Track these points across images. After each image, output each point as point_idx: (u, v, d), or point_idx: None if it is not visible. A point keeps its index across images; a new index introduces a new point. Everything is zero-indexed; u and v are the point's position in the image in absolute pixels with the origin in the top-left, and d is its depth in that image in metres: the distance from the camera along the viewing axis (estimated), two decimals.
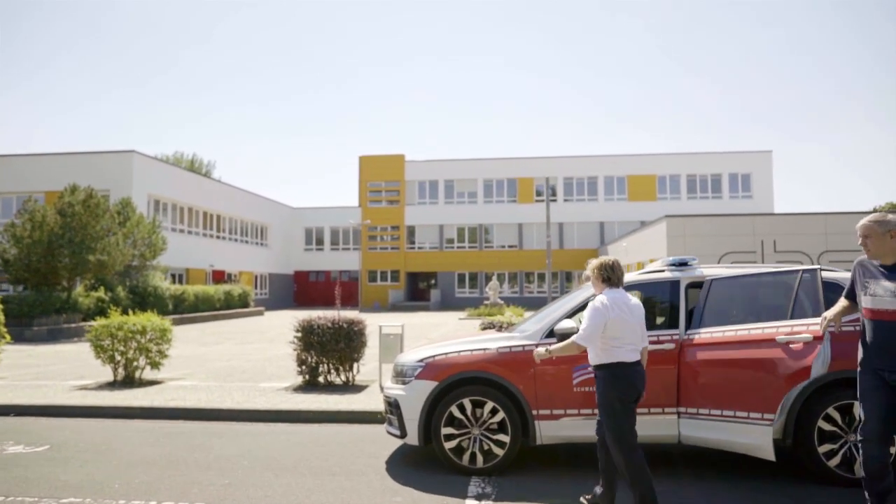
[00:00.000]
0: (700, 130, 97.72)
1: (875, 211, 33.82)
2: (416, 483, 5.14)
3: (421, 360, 5.56)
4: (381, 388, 9.20)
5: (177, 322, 25.96)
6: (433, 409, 5.36)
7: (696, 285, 5.39)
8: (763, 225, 26.44)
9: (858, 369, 3.96)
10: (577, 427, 5.20)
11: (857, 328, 4.06)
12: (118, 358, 10.02)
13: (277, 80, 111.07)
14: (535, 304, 39.20)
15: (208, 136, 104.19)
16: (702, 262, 5.95)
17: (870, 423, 3.82)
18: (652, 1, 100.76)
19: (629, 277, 5.61)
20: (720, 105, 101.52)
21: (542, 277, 46.06)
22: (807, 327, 4.72)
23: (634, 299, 4.38)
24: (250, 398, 8.62)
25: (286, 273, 48.89)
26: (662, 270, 5.57)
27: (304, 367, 9.54)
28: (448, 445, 5.30)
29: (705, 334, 5.14)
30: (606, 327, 4.11)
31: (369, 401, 8.36)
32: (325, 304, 44.11)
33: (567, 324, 5.09)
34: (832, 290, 4.85)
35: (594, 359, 4.28)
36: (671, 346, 5.13)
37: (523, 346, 5.34)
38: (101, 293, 23.13)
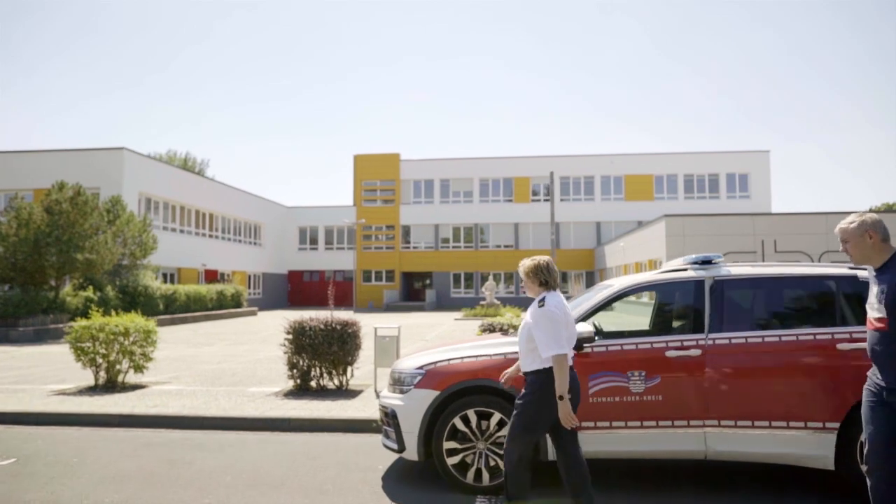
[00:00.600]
0: (696, 132, 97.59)
1: (872, 211, 33.58)
2: (416, 503, 4.67)
3: (420, 367, 5.06)
4: (377, 394, 8.77)
5: (168, 322, 25.48)
6: (434, 421, 4.88)
7: (723, 285, 4.91)
8: (763, 225, 26.08)
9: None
10: (594, 442, 4.71)
11: None
12: (100, 361, 9.51)
13: (271, 79, 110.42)
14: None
15: (202, 135, 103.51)
16: None
17: (874, 452, 3.29)
18: (648, 0, 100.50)
19: (644, 278, 5.16)
20: (716, 106, 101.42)
21: None
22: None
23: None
24: (238, 404, 8.13)
25: (280, 273, 48.28)
26: (685, 269, 5.08)
27: (295, 371, 9.05)
28: (451, 461, 4.82)
29: (739, 339, 4.68)
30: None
31: (364, 407, 7.88)
32: (319, 305, 43.58)
33: (583, 328, 4.65)
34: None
35: (527, 364, 4.00)
36: (697, 352, 4.66)
37: None
38: (89, 293, 22.56)
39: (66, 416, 7.68)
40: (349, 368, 9.20)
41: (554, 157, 46.02)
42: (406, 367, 5.21)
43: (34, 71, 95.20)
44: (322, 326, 8.84)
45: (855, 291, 4.69)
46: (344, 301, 44.84)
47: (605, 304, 4.99)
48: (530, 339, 3.97)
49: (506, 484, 4.06)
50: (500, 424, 4.77)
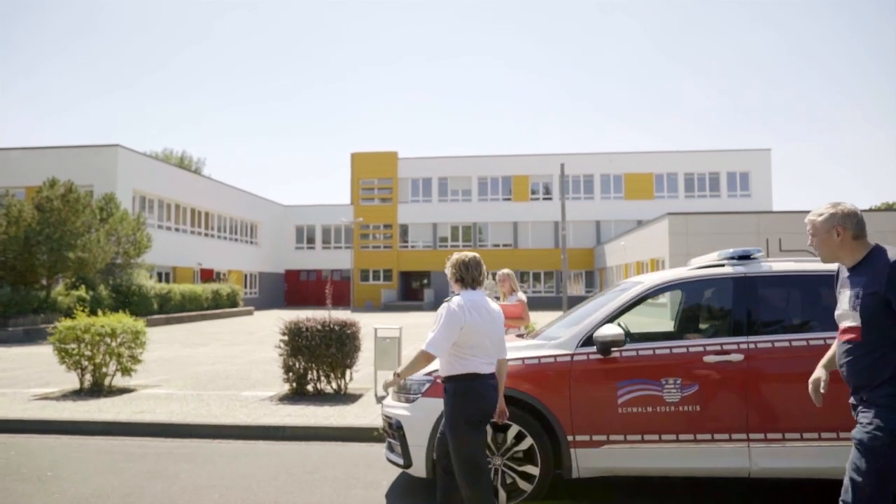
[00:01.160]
0: (697, 132, 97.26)
1: (872, 210, 33.03)
2: None
3: (429, 374, 4.56)
4: (377, 398, 8.27)
5: (162, 322, 24.94)
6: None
7: (764, 282, 4.42)
8: (767, 223, 25.68)
9: None
10: (624, 457, 4.23)
11: None
12: (85, 364, 9.00)
13: (270, 79, 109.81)
14: (531, 304, 38.25)
15: (202, 135, 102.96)
16: None
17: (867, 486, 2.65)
18: (648, 0, 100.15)
19: (676, 274, 4.68)
20: (716, 106, 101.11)
21: (537, 277, 45.22)
22: None
23: (494, 304, 3.83)
24: (229, 410, 7.63)
25: (277, 272, 47.72)
26: (721, 264, 4.59)
27: (290, 375, 8.54)
28: None
29: (783, 342, 4.17)
30: (461, 333, 3.57)
31: (364, 413, 7.38)
32: (316, 304, 43.04)
33: (610, 330, 4.18)
34: None
35: (443, 369, 3.73)
36: (739, 356, 4.16)
37: (555, 356, 4.37)
38: (82, 292, 22.02)
39: (45, 424, 7.18)
40: (348, 371, 8.70)
41: (553, 155, 45.49)
42: None
43: (34, 71, 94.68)
44: (319, 327, 8.35)
45: None
46: (341, 301, 44.29)
47: (635, 303, 4.48)
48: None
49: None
50: (519, 438, 4.29)
